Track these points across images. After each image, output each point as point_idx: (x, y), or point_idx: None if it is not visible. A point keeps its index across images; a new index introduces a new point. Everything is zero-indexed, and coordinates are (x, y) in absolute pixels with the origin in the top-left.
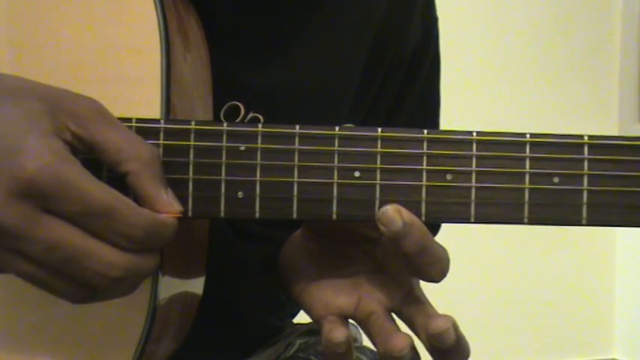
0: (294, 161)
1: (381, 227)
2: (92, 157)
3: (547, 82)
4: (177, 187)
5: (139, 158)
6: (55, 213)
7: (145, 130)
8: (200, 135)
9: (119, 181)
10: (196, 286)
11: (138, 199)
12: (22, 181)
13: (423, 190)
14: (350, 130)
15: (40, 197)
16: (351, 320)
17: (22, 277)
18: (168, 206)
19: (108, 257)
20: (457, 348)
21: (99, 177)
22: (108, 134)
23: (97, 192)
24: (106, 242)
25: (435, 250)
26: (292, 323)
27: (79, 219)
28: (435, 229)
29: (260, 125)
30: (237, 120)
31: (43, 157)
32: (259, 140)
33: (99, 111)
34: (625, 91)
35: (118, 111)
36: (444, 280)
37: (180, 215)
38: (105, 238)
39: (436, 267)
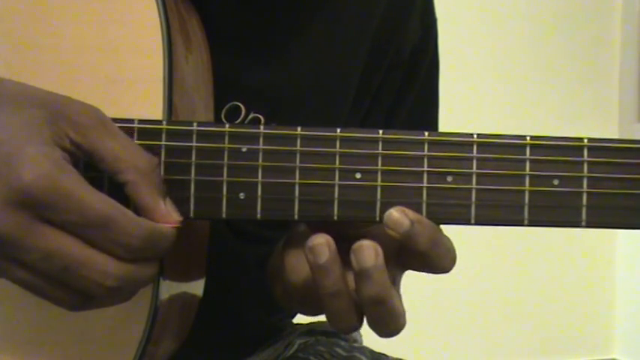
0: (295, 162)
1: (390, 231)
2: (93, 172)
3: (547, 83)
4: (179, 188)
5: (136, 168)
6: (52, 222)
7: (147, 131)
8: (202, 136)
9: (121, 189)
10: (196, 286)
11: (137, 209)
12: (19, 191)
13: (424, 191)
14: (351, 132)
15: (37, 207)
16: None
17: (19, 285)
18: (166, 216)
19: (104, 266)
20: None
21: (101, 185)
22: (107, 143)
23: (94, 202)
24: (103, 251)
25: (445, 241)
26: (292, 323)
27: (76, 228)
28: None
29: (262, 127)
30: (238, 120)
31: (40, 166)
32: (261, 142)
33: (99, 119)
34: (625, 91)
35: (119, 112)
36: (445, 280)
37: (179, 225)
38: (102, 248)
39: (448, 257)
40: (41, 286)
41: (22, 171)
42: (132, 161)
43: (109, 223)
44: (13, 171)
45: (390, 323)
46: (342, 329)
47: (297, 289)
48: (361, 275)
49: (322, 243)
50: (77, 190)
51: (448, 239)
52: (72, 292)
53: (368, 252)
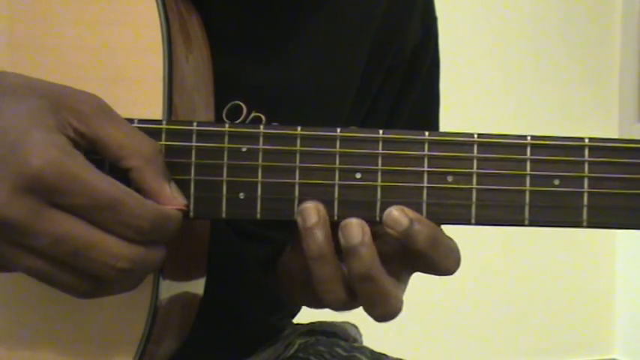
0: (295, 162)
1: (389, 230)
2: (94, 155)
3: (547, 83)
4: (179, 188)
5: (140, 154)
6: (60, 207)
7: (147, 130)
8: (202, 136)
9: (121, 176)
10: (197, 286)
11: (142, 194)
12: (28, 177)
13: (424, 191)
14: (351, 132)
15: (46, 192)
16: (351, 320)
17: (28, 273)
18: (172, 200)
19: (115, 248)
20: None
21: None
22: (109, 130)
23: (102, 185)
24: (113, 234)
25: (446, 241)
26: (292, 323)
27: (85, 212)
28: None
29: (262, 126)
30: (239, 119)
31: (47, 151)
32: (261, 141)
33: (101, 107)
34: (625, 91)
35: (119, 112)
36: (444, 279)
37: (184, 209)
38: (111, 230)
39: (450, 258)
40: (51, 272)
41: (29, 157)
42: (136, 147)
43: (117, 206)
44: (21, 157)
45: (380, 303)
46: (331, 302)
47: (302, 268)
48: (349, 252)
49: (311, 207)
50: (85, 173)
51: (451, 240)
52: (82, 276)
53: (355, 229)
